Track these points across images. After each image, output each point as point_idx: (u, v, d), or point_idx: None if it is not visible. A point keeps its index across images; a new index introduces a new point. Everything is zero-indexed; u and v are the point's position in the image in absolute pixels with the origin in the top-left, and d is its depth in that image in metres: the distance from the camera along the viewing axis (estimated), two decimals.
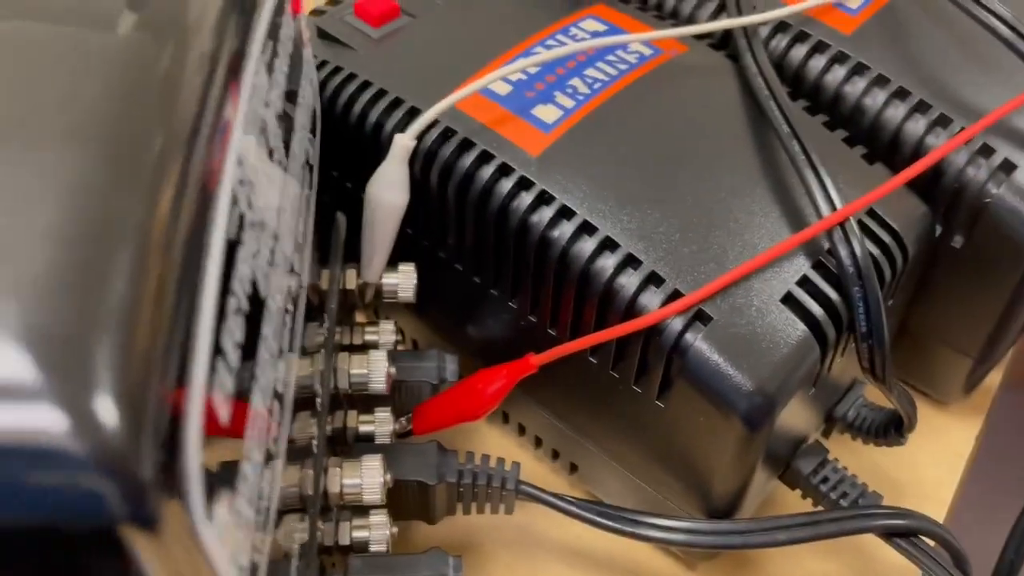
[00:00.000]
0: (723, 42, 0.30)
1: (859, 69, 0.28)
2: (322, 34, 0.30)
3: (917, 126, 0.27)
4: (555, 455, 0.30)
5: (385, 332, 0.28)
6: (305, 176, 0.22)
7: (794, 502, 0.28)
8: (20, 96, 0.13)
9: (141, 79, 0.14)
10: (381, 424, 0.26)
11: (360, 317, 0.32)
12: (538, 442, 0.30)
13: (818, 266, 0.24)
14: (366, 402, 0.27)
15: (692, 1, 0.31)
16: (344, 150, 0.28)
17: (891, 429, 0.28)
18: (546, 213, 0.24)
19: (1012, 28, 0.27)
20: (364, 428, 0.26)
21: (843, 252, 0.23)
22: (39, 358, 0.11)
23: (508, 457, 0.26)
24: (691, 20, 0.31)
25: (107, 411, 0.10)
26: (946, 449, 0.32)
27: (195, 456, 0.11)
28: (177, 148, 0.13)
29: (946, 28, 0.29)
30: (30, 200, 0.12)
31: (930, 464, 0.32)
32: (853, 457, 0.29)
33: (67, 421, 0.10)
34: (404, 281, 0.27)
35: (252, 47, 0.17)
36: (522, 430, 0.30)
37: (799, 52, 0.29)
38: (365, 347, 0.27)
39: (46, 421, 0.10)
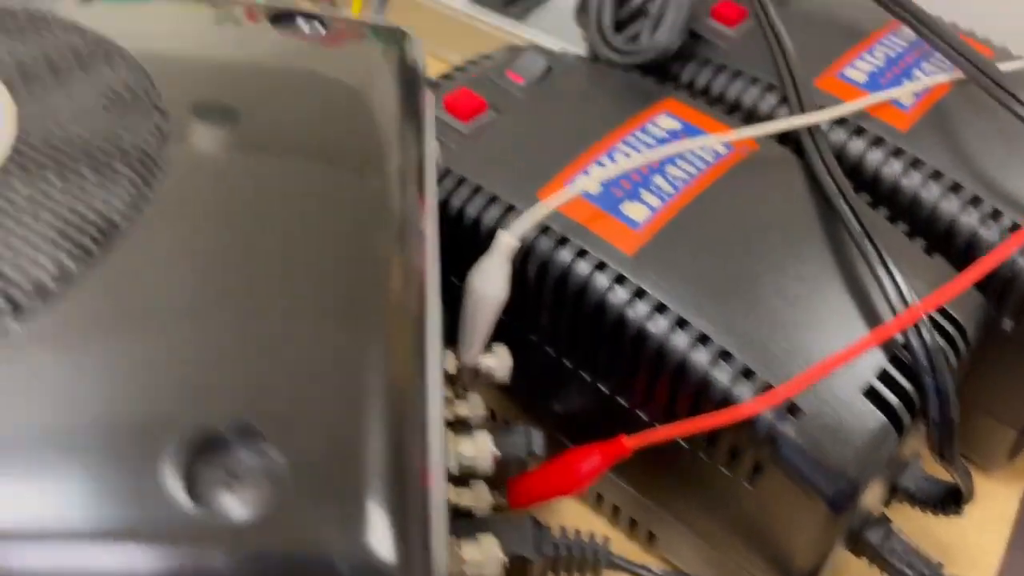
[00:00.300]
0: (786, 134, 0.32)
1: (915, 163, 0.31)
2: None
3: (971, 219, 0.30)
4: (632, 523, 0.32)
5: (475, 406, 0.30)
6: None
7: (857, 568, 0.30)
8: (275, 255, 0.15)
9: (361, 217, 0.16)
10: (479, 499, 0.28)
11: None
12: (615, 510, 0.32)
13: (894, 359, 0.26)
14: (459, 475, 0.29)
15: (754, 93, 0.33)
16: (441, 241, 0.29)
17: (949, 500, 0.30)
18: (642, 308, 0.26)
19: None
20: (464, 502, 0.28)
21: (918, 347, 0.25)
22: (326, 504, 0.12)
23: (583, 523, 0.28)
24: (754, 111, 0.33)
25: (387, 549, 0.12)
26: (992, 514, 0.34)
27: (443, 568, 0.13)
28: (399, 271, 0.15)
29: (993, 124, 0.31)
30: (287, 358, 0.14)
31: (977, 529, 0.34)
32: (905, 522, 0.31)
33: (354, 559, 0.12)
34: (500, 364, 0.29)
35: (427, 153, 0.19)
36: (599, 498, 0.32)
37: (857, 145, 0.31)
38: (459, 422, 0.29)
39: (336, 559, 0.12)
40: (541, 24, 0.48)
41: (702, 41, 0.36)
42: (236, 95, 0.17)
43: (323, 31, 0.20)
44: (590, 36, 0.36)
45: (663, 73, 0.35)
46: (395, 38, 0.21)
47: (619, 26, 0.36)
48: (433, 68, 0.36)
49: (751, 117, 0.33)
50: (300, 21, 0.20)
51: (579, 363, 0.29)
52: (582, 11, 0.40)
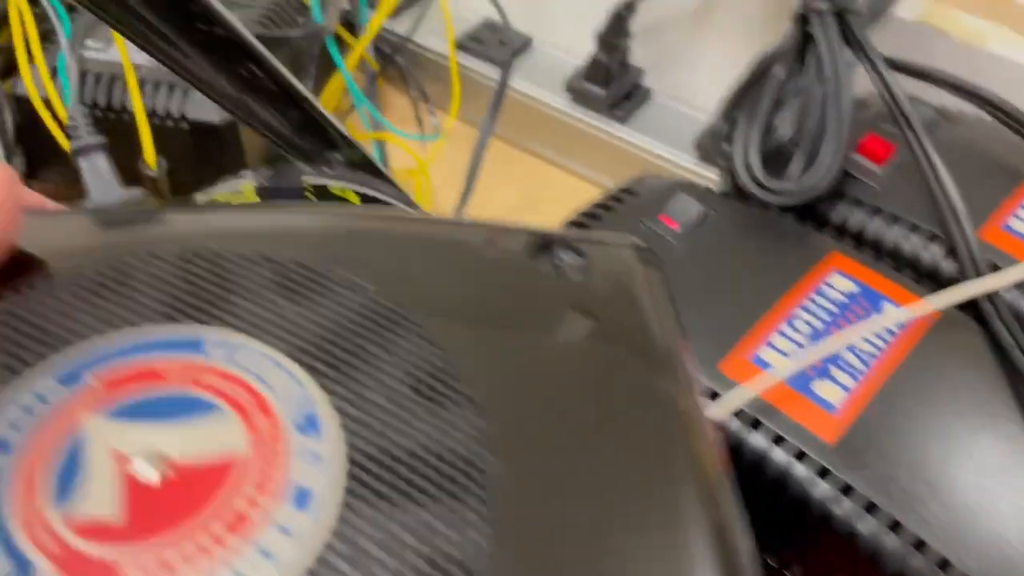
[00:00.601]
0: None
1: None
2: None
3: None
4: None
5: None
6: None
7: None
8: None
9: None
10: None
11: None
12: None
13: None
14: None
15: (915, 242, 0.32)
16: None
17: None
18: (850, 506, 0.25)
19: None
20: None
21: None
22: None
23: None
24: (916, 261, 0.32)
25: None
26: None
27: None
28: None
29: None
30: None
31: None
32: None
33: None
34: None
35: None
36: None
37: None
38: None
39: None
40: (644, 127, 0.47)
41: (850, 179, 0.35)
42: (534, 361, 0.16)
43: (581, 259, 0.19)
44: (737, 174, 0.35)
45: (812, 212, 0.34)
46: (639, 250, 0.20)
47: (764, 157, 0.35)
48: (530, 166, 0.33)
49: (914, 268, 0.32)
50: (560, 253, 0.19)
51: (766, 547, 0.27)
52: (714, 138, 0.39)
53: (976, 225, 0.32)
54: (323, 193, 0.28)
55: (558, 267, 0.19)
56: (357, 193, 0.28)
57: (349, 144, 0.28)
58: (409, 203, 0.30)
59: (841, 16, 0.34)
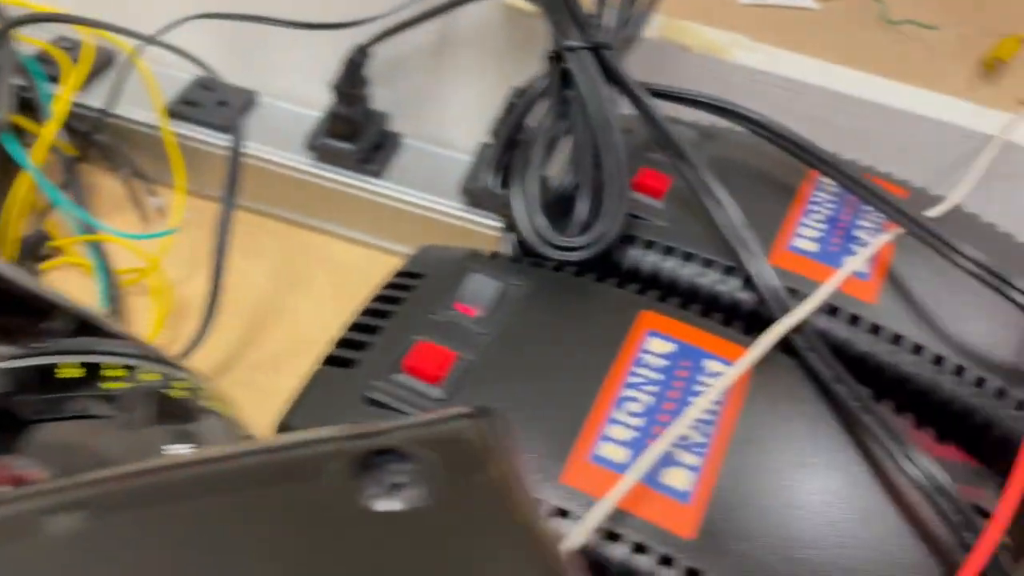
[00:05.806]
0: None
1: (894, 339, 0.30)
2: (371, 402, 0.26)
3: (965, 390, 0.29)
4: None
5: None
6: None
7: None
8: None
9: None
10: None
11: None
12: None
13: None
14: None
15: (713, 277, 0.31)
16: None
17: None
18: None
19: (988, 271, 0.30)
20: None
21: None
22: None
23: None
24: (717, 299, 0.31)
25: None
26: None
27: None
28: None
29: (944, 277, 0.32)
30: None
31: None
32: None
33: None
34: None
35: None
36: None
37: (835, 327, 0.30)
38: None
39: None
40: (402, 177, 0.43)
41: (634, 219, 0.33)
42: None
43: (411, 465, 0.15)
44: (524, 236, 0.32)
45: (606, 263, 0.32)
46: (471, 421, 0.17)
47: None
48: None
49: (716, 305, 0.31)
50: (386, 467, 0.14)
51: None
52: (482, 184, 0.36)
53: (765, 252, 0.31)
54: (48, 378, 0.21)
55: (389, 486, 0.14)
56: (84, 365, 0.22)
57: (60, 308, 0.22)
58: (155, 356, 0.24)
59: (597, 52, 0.33)
